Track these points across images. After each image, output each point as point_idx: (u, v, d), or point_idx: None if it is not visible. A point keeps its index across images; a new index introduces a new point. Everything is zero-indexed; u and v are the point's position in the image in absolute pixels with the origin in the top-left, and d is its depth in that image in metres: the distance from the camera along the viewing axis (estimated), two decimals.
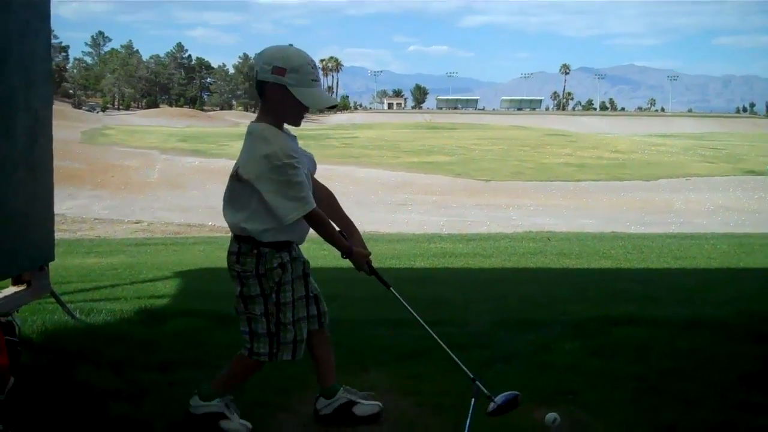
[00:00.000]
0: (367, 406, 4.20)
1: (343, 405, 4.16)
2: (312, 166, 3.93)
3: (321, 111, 3.97)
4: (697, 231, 20.72)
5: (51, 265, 6.36)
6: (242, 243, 3.76)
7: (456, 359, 4.07)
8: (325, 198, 3.98)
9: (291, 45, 3.84)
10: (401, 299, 4.08)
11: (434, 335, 4.16)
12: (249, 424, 3.95)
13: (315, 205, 3.73)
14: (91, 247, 15.90)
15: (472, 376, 3.97)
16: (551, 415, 3.88)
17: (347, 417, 4.14)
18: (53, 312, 6.44)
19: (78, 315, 6.34)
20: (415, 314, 4.12)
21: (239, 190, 3.72)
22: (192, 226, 23.95)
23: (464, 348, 5.39)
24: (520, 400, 3.86)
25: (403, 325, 6.00)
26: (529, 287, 8.84)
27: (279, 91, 3.67)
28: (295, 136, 3.85)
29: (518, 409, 3.94)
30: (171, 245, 16.31)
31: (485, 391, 3.91)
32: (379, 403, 4.25)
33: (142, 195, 33.63)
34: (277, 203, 3.61)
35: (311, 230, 3.84)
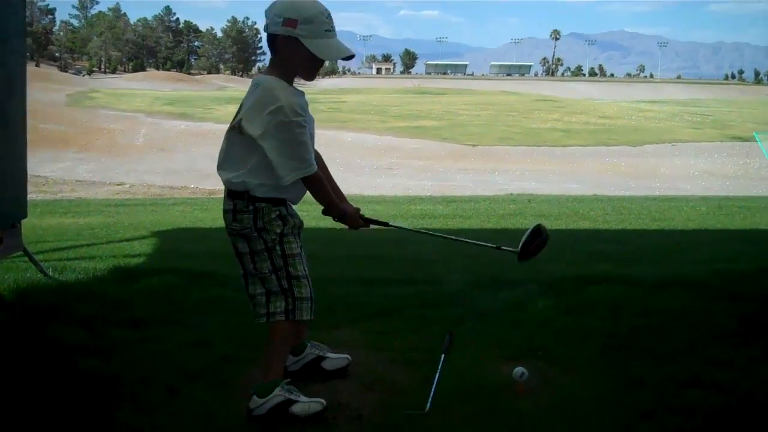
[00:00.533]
0: (335, 360, 4.20)
1: (312, 360, 4.16)
2: (313, 127, 3.74)
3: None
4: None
5: (28, 224, 6.33)
6: (237, 199, 3.60)
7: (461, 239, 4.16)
8: (318, 160, 3.79)
9: None
10: (405, 227, 4.03)
11: (449, 236, 4.15)
12: (321, 400, 3.70)
13: (316, 167, 3.62)
14: (70, 208, 15.71)
15: (494, 245, 4.14)
16: (519, 370, 3.89)
17: (316, 371, 4.13)
18: (26, 270, 6.42)
19: (51, 273, 6.31)
20: (421, 230, 4.08)
21: (238, 144, 3.56)
22: (174, 188, 23.75)
23: (438, 306, 5.43)
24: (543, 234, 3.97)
25: (375, 284, 6.02)
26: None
27: (291, 43, 3.49)
28: (303, 92, 3.64)
29: (488, 363, 3.95)
30: (150, 206, 16.16)
31: (511, 249, 4.07)
32: (348, 356, 4.24)
33: (127, 158, 33.43)
34: (279, 161, 3.47)
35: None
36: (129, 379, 3.99)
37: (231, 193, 3.62)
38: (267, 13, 3.57)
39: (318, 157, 3.78)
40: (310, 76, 3.67)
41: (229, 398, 3.82)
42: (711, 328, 4.87)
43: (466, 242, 4.08)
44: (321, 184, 3.71)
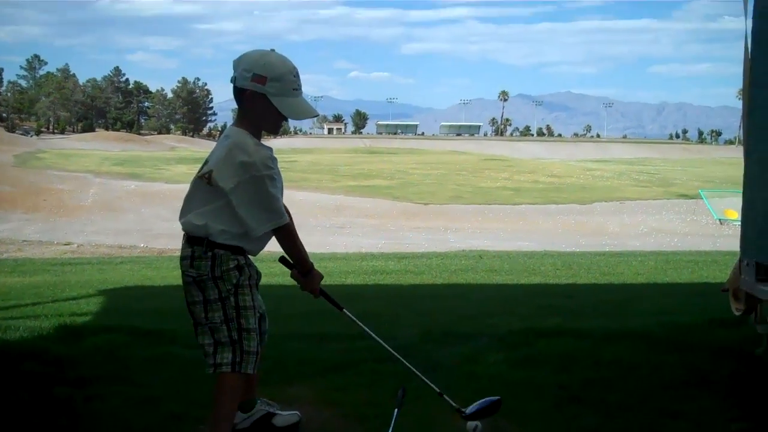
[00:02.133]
0: (285, 416, 4.13)
1: (262, 417, 4.08)
2: (282, 185, 3.71)
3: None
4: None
5: None
6: (195, 246, 3.56)
7: (421, 375, 4.06)
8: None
9: (273, 50, 3.65)
10: (354, 319, 4.01)
11: (392, 351, 4.13)
12: None
13: (288, 219, 3.63)
14: (15, 267, 15.45)
15: (438, 390, 3.97)
16: (471, 424, 3.86)
17: (266, 429, 4.06)
18: None
19: None
20: (368, 330, 4.05)
21: (204, 192, 3.55)
22: (123, 247, 23.45)
23: (390, 359, 5.34)
24: (497, 404, 3.84)
25: (328, 339, 5.96)
26: (457, 302, 8.86)
27: (258, 99, 3.52)
28: (271, 147, 3.63)
29: (441, 417, 3.92)
30: (97, 264, 15.91)
31: (453, 404, 3.89)
32: (298, 413, 4.18)
33: (76, 218, 33.00)
34: (251, 214, 3.48)
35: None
36: None
37: (190, 239, 3.59)
38: (235, 65, 3.58)
39: (288, 214, 3.75)
40: (274, 131, 3.76)
41: None
42: (661, 379, 4.91)
43: (417, 374, 4.08)
44: (293, 235, 3.70)
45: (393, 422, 3.89)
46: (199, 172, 3.62)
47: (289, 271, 3.86)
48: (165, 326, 6.31)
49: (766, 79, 4.99)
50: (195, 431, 4.01)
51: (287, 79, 3.54)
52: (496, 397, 3.86)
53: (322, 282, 3.91)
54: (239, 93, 3.57)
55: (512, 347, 5.74)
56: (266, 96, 3.51)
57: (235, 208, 3.47)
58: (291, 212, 3.84)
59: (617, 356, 5.41)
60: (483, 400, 3.87)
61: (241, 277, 3.59)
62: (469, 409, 3.82)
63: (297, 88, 3.59)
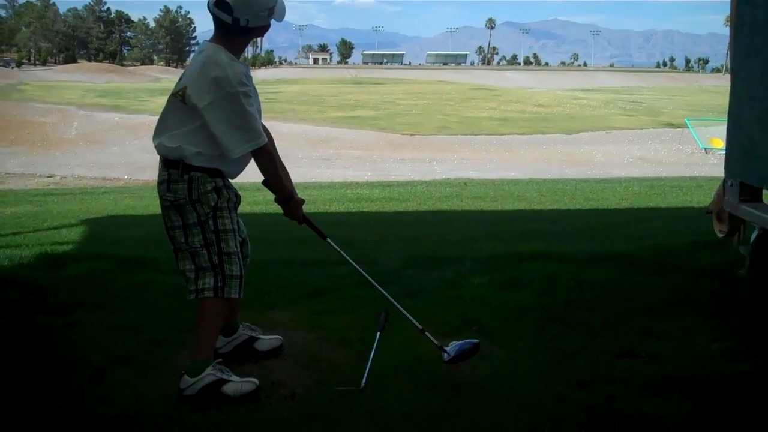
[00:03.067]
0: (268, 340, 4.12)
1: (244, 341, 4.07)
2: (258, 101, 3.67)
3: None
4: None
5: None
6: (171, 169, 3.48)
7: (403, 310, 4.02)
8: (267, 136, 3.67)
9: None
10: (337, 248, 3.97)
11: (372, 281, 4.09)
12: (254, 380, 3.60)
13: (266, 139, 3.54)
14: None
15: (420, 327, 3.93)
16: (451, 344, 3.87)
17: (249, 353, 4.05)
18: None
19: None
20: (349, 259, 4.02)
21: (178, 111, 3.47)
22: (107, 179, 23.24)
23: (372, 285, 5.35)
24: (476, 348, 3.81)
25: (311, 265, 5.95)
26: (442, 228, 8.86)
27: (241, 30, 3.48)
28: (246, 64, 3.58)
29: (422, 340, 3.91)
30: (79, 195, 15.67)
31: (435, 341, 3.86)
32: (280, 337, 4.17)
33: (59, 151, 32.60)
34: (227, 134, 3.39)
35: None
36: (54, 363, 3.86)
37: (166, 162, 3.52)
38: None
39: (267, 134, 3.67)
40: (259, 35, 3.67)
41: (159, 380, 3.73)
42: (644, 300, 4.93)
43: (399, 309, 4.03)
44: (272, 158, 3.62)
45: (375, 345, 3.89)
46: (173, 90, 3.53)
47: (273, 196, 3.80)
48: (147, 254, 6.29)
49: None
50: (177, 356, 3.98)
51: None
52: (475, 340, 3.84)
53: (306, 209, 3.86)
54: (225, 19, 3.47)
55: (496, 271, 5.75)
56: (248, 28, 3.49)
57: (210, 127, 3.39)
58: (276, 143, 3.76)
59: (600, 278, 5.44)
60: (463, 341, 3.85)
61: (219, 199, 3.53)
62: (450, 349, 3.80)
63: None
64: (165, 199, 3.55)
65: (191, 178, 3.47)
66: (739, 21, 5.08)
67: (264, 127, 3.63)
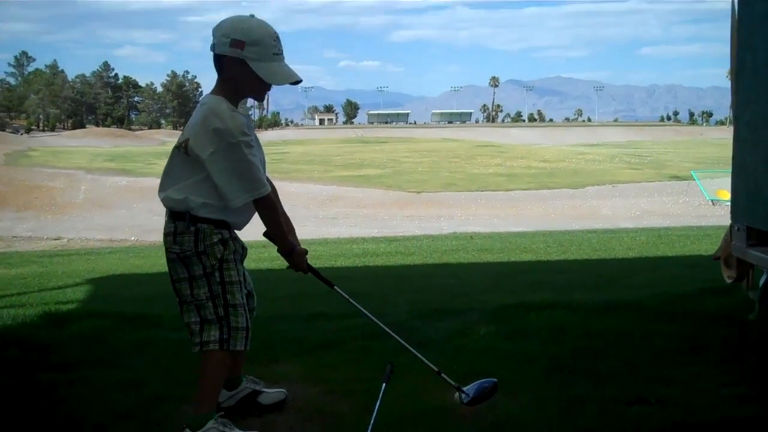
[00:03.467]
0: (272, 394, 4.06)
1: (248, 395, 4.00)
2: (262, 152, 3.64)
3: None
4: None
5: None
6: (178, 221, 3.47)
7: (416, 353, 3.96)
8: (271, 188, 3.64)
9: (252, 15, 3.53)
10: (345, 296, 3.93)
11: (383, 326, 4.02)
12: None
13: (269, 189, 3.52)
14: (2, 259, 15.23)
15: (436, 369, 3.88)
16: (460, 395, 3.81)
17: (252, 407, 3.98)
18: None
19: None
20: (359, 307, 3.96)
21: (182, 164, 3.45)
22: (114, 241, 23.31)
23: (379, 336, 5.28)
24: (495, 387, 3.75)
25: (315, 319, 5.91)
26: (448, 280, 8.81)
27: (237, 65, 3.42)
28: (247, 115, 3.58)
29: (429, 391, 3.86)
30: (85, 255, 15.70)
31: (452, 382, 3.81)
32: (284, 391, 4.10)
33: (67, 215, 32.86)
34: (229, 184, 3.37)
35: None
36: (55, 420, 3.80)
37: (173, 215, 3.51)
38: (214, 32, 3.48)
39: (271, 186, 3.66)
40: (259, 98, 3.61)
41: None
42: (653, 347, 4.86)
43: (412, 351, 3.99)
44: (274, 209, 3.59)
45: (380, 397, 3.82)
46: (177, 142, 3.54)
47: (276, 248, 3.77)
48: (152, 311, 6.25)
49: (753, 40, 4.92)
50: (179, 411, 3.92)
51: (266, 42, 3.43)
52: (494, 380, 3.78)
53: (311, 264, 3.83)
54: (218, 60, 3.49)
55: (503, 321, 5.70)
56: (245, 62, 3.42)
57: (213, 177, 3.38)
58: (283, 204, 3.76)
59: (608, 327, 5.37)
60: (482, 381, 3.79)
61: (225, 251, 3.51)
62: (468, 389, 3.74)
63: (278, 53, 3.49)
64: (171, 251, 3.53)
65: (198, 229, 3.46)
66: (740, 66, 5.10)
67: (268, 179, 3.63)
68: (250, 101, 3.78)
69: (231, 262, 3.54)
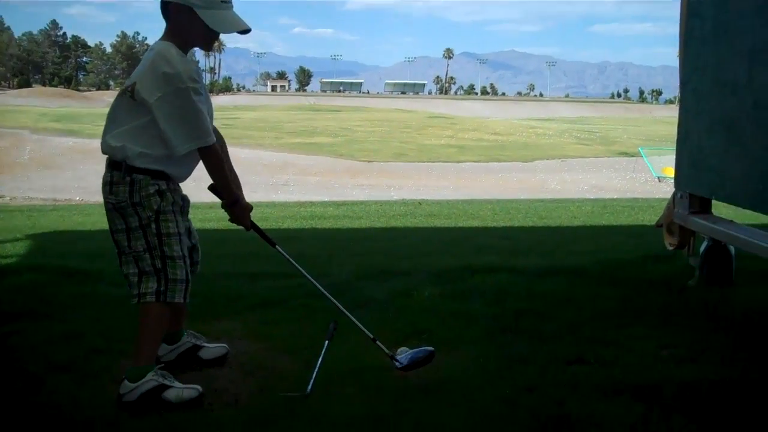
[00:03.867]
0: (213, 349, 4.03)
1: (188, 350, 3.97)
2: (210, 104, 3.59)
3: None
4: None
5: None
6: (114, 170, 3.40)
7: (353, 319, 3.94)
8: (218, 138, 3.62)
9: None
10: (286, 256, 3.89)
11: (322, 289, 4.02)
12: (197, 387, 3.50)
13: (215, 139, 3.46)
14: None
15: (372, 336, 3.86)
16: (402, 350, 3.82)
17: (193, 361, 3.95)
18: None
19: None
20: (299, 268, 3.94)
21: (127, 108, 3.39)
22: (58, 201, 22.85)
23: (322, 296, 5.28)
24: (430, 356, 3.72)
25: (259, 278, 5.87)
26: (394, 243, 8.81)
27: (184, 12, 3.38)
28: (197, 61, 3.53)
29: (372, 350, 3.85)
30: (27, 212, 15.23)
31: (386, 350, 3.80)
32: (226, 346, 4.08)
33: (10, 176, 32.16)
34: (174, 130, 3.31)
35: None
36: None
37: (111, 164, 3.45)
38: None
39: (218, 136, 3.62)
40: (207, 47, 3.55)
41: (98, 388, 3.62)
42: (594, 310, 4.91)
43: (349, 317, 3.96)
44: (219, 159, 3.54)
45: (323, 353, 3.82)
46: (123, 87, 3.47)
47: (220, 202, 3.72)
48: (93, 266, 6.15)
49: (701, 8, 4.96)
50: (117, 364, 3.87)
51: None
52: (430, 348, 3.77)
53: (257, 225, 3.80)
54: (165, 7, 3.45)
55: (447, 282, 5.72)
56: (192, 9, 3.38)
57: (158, 122, 3.32)
58: (235, 169, 3.71)
59: (551, 290, 5.44)
60: (416, 349, 3.79)
61: (162, 202, 3.45)
62: (402, 359, 3.74)
63: (226, 1, 3.46)
64: (108, 201, 3.48)
65: (133, 180, 3.40)
66: (688, 34, 5.15)
67: (215, 130, 3.58)
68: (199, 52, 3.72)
69: (169, 213, 3.48)
